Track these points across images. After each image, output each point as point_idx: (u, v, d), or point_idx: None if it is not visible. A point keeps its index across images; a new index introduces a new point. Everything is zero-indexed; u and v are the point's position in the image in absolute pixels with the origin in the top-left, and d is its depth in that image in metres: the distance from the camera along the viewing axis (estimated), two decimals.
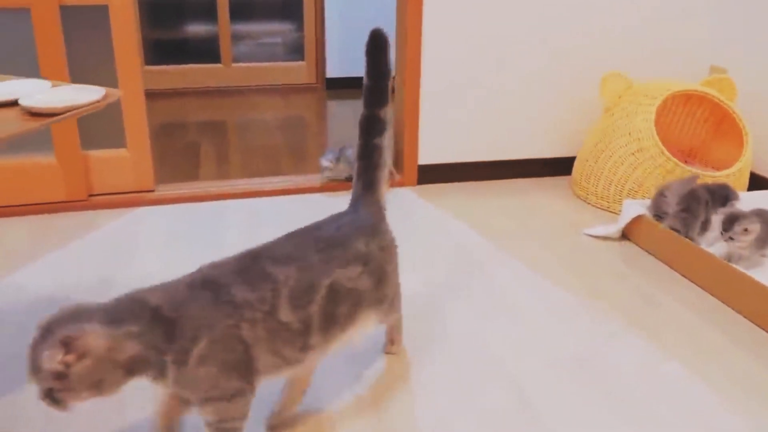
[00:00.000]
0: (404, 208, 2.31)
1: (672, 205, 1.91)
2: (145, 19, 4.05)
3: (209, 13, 4.16)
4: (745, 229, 1.72)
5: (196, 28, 4.23)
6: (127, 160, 2.32)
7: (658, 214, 1.97)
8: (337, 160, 2.46)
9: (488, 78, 2.48)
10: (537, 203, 2.38)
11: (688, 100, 2.46)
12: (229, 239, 2.03)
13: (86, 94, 1.28)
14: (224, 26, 4.17)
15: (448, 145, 2.54)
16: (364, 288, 1.18)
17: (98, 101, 1.26)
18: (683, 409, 1.30)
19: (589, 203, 2.39)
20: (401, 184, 2.53)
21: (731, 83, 2.34)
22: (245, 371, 1.00)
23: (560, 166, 2.65)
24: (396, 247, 1.34)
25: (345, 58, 4.31)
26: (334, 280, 1.11)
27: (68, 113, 1.20)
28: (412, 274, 1.82)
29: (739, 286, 1.67)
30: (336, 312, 1.11)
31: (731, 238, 1.74)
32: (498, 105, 2.53)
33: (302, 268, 1.07)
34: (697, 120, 2.51)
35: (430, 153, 2.53)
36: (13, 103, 1.23)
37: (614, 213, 2.27)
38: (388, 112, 1.27)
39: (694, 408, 1.30)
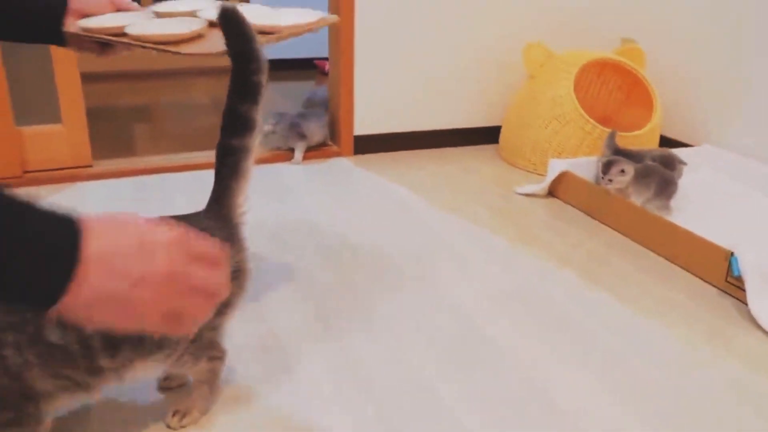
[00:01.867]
0: (342, 175, 2.40)
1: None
2: None
3: None
4: (622, 170, 1.92)
5: None
6: (63, 135, 2.30)
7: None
8: (276, 125, 2.51)
9: (419, 50, 2.60)
10: (469, 168, 2.52)
11: (602, 69, 2.66)
12: (177, 209, 2.06)
13: (302, 17, 1.25)
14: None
15: (383, 117, 2.65)
16: None
17: (313, 24, 1.24)
18: (608, 325, 1.45)
19: (516, 167, 2.54)
20: (338, 154, 2.62)
21: (641, 52, 2.54)
22: (18, 400, 0.89)
23: (488, 134, 2.80)
24: (237, 277, 1.08)
25: None
26: None
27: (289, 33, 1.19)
28: (359, 235, 1.91)
29: (650, 227, 1.85)
30: (120, 336, 0.94)
31: (610, 180, 1.94)
32: (429, 76, 2.65)
33: None
34: (611, 88, 2.71)
35: (365, 124, 2.63)
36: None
37: (540, 174, 2.43)
38: (255, 111, 1.06)
39: (617, 324, 1.46)
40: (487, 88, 2.75)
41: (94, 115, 3.16)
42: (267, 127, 2.52)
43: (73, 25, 1.20)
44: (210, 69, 4.31)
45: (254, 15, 1.20)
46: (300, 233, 1.90)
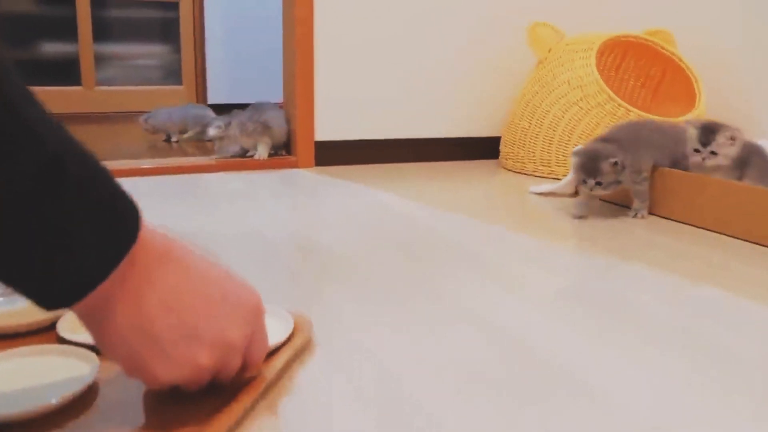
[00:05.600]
0: (306, 188, 1.79)
1: None
2: None
3: (70, 32, 3.60)
4: (731, 138, 1.34)
5: (55, 48, 3.65)
6: None
7: None
8: (228, 124, 1.95)
9: (396, 34, 2.07)
10: (466, 180, 1.93)
11: (625, 53, 2.13)
12: None
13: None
14: (86, 46, 3.62)
15: (351, 119, 2.08)
16: None
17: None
18: (743, 333, 0.83)
19: (525, 173, 1.97)
20: (294, 165, 2.02)
21: (670, 36, 2.04)
22: None
23: (485, 148, 2.24)
24: None
25: (230, 83, 3.85)
26: None
27: None
28: (333, 242, 1.30)
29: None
30: None
31: (713, 153, 1.35)
32: (409, 68, 2.11)
33: None
34: (636, 77, 2.18)
35: (328, 128, 2.05)
36: None
37: (558, 178, 1.85)
38: None
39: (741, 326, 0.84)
40: (482, 90, 2.21)
41: None
42: (213, 131, 1.96)
43: None
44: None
45: None
46: (252, 239, 1.27)
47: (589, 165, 1.36)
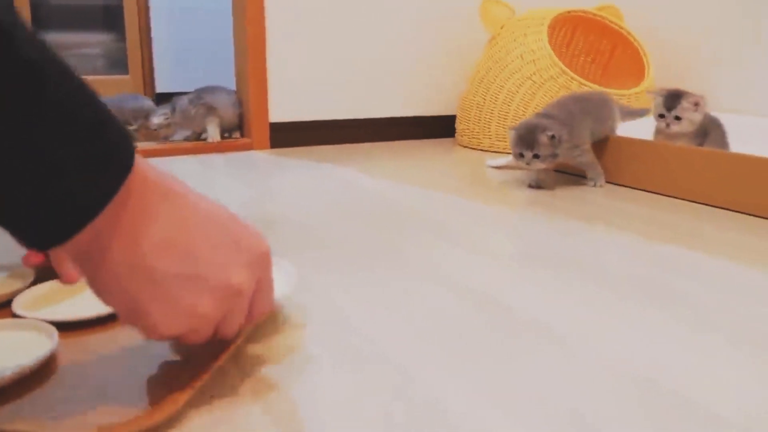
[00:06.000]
0: (263, 167, 1.76)
1: None
2: None
3: None
4: (696, 104, 1.37)
5: None
6: None
7: None
8: (173, 110, 1.91)
9: (348, 20, 2.05)
10: (423, 157, 1.93)
11: (575, 29, 2.16)
12: None
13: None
14: None
15: (306, 100, 2.05)
16: None
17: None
18: (703, 281, 0.85)
19: (482, 149, 1.98)
20: (249, 147, 1.98)
21: (618, 11, 2.08)
22: None
23: (441, 126, 2.24)
24: None
25: (178, 71, 3.75)
26: None
27: None
28: (301, 217, 1.27)
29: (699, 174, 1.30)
30: None
31: (678, 117, 1.38)
32: (362, 51, 2.09)
33: None
34: (587, 52, 2.21)
35: (283, 109, 2.02)
36: None
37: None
38: None
39: (714, 279, 0.86)
40: (436, 70, 2.21)
41: None
42: (158, 120, 1.91)
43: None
44: None
45: None
46: None
47: (527, 137, 1.36)
